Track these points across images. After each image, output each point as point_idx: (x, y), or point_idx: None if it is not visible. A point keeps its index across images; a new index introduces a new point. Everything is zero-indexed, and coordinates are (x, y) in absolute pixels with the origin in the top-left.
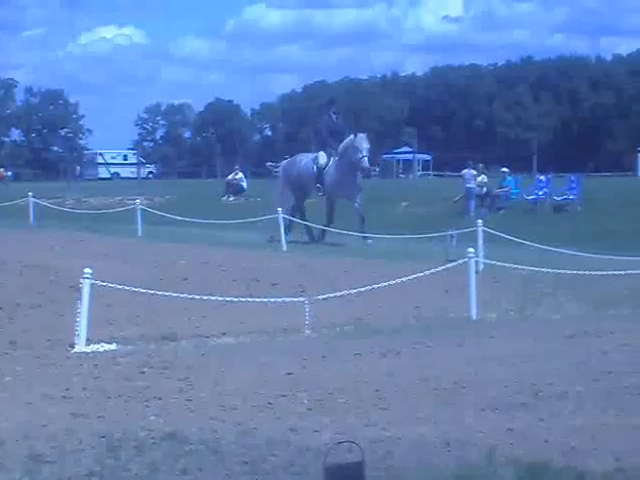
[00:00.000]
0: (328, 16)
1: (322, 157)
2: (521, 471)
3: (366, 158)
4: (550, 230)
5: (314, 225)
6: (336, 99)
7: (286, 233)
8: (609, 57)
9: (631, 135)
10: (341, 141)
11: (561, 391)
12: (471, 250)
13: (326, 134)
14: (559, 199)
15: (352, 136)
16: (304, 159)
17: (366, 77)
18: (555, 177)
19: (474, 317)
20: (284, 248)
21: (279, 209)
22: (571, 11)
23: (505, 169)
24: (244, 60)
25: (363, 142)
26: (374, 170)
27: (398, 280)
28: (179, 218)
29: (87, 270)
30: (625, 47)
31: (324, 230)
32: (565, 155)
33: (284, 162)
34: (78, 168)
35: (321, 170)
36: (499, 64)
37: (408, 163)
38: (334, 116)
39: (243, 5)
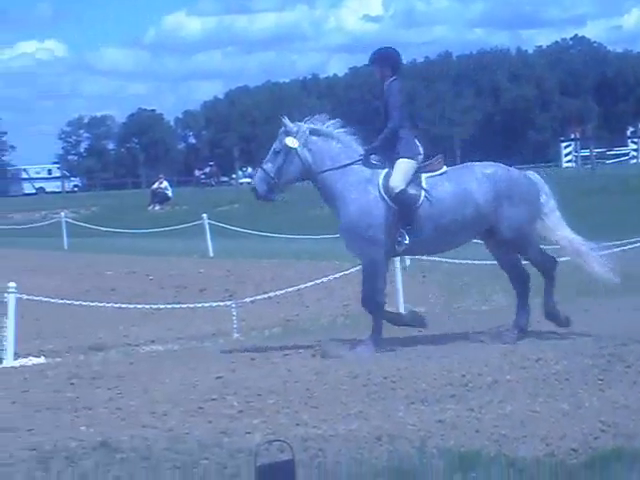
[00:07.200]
0: (249, 21)
1: None
2: (453, 461)
3: None
4: None
5: None
6: None
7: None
8: (530, 49)
9: (553, 126)
10: None
11: (491, 380)
12: None
13: None
14: None
15: None
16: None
17: (288, 80)
18: None
19: (403, 312)
20: (211, 254)
21: None
22: (490, 5)
23: None
24: (166, 69)
25: None
26: None
27: (324, 279)
28: (104, 229)
29: (12, 284)
30: (544, 39)
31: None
32: (489, 148)
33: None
34: None
35: None
36: (418, 61)
37: None
38: None
39: (163, 14)
